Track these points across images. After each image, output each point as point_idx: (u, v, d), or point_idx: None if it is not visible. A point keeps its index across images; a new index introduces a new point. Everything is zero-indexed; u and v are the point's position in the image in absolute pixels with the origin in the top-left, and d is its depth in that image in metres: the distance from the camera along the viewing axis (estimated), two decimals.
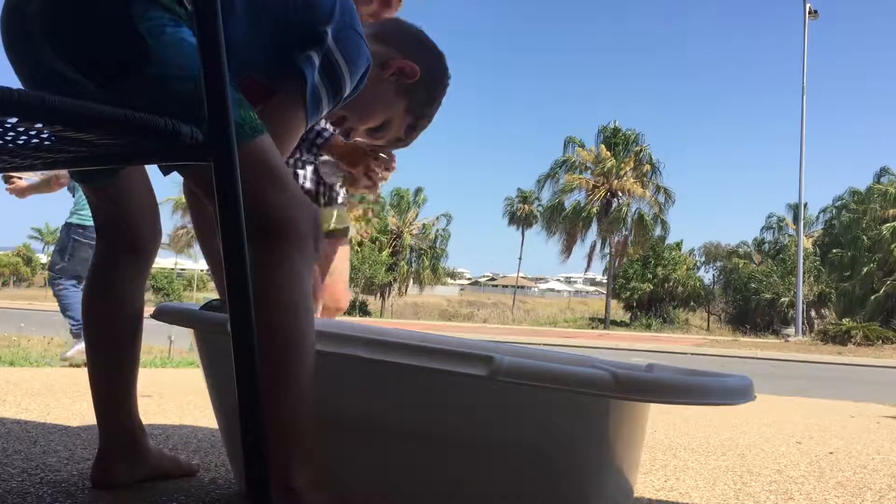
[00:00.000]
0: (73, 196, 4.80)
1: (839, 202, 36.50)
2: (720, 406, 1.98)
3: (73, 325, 4.70)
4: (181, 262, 52.14)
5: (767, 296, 34.30)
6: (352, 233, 2.43)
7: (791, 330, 23.74)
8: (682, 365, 1.74)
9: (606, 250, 36.69)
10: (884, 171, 34.37)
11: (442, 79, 1.52)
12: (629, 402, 1.19)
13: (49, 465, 1.56)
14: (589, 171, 36.32)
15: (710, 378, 1.23)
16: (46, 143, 0.88)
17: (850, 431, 3.28)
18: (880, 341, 19.02)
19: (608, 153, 35.59)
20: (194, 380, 3.74)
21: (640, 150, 35.88)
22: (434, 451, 1.19)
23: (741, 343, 21.00)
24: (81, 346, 4.59)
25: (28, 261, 52.32)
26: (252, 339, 0.89)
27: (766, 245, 40.43)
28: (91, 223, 3.85)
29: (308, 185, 2.17)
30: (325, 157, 2.07)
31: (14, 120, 0.78)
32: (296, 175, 2.16)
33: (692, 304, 40.26)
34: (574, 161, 36.59)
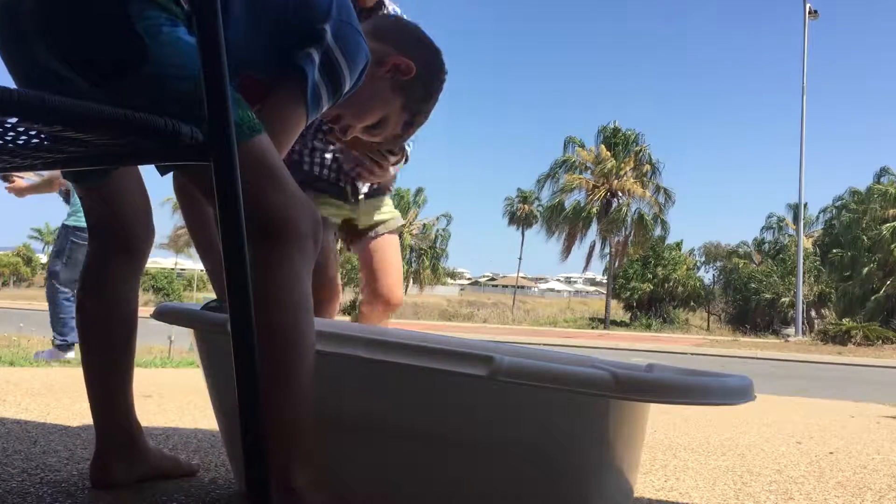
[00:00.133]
0: (69, 199, 4.79)
1: (839, 202, 36.50)
2: (720, 406, 1.98)
3: (58, 339, 4.69)
4: (181, 262, 52.18)
5: (767, 296, 34.29)
6: (400, 223, 2.32)
7: (791, 330, 23.75)
8: (682, 365, 1.74)
9: (606, 250, 36.70)
10: (884, 171, 34.37)
11: (438, 75, 1.52)
12: (629, 402, 1.19)
13: (49, 465, 1.56)
14: (589, 171, 36.33)
15: (710, 378, 1.23)
16: (46, 142, 0.88)
17: (850, 431, 3.28)
18: (880, 341, 19.03)
19: (608, 153, 35.59)
20: (194, 380, 3.74)
21: (640, 150, 35.88)
22: (434, 451, 1.19)
23: (741, 343, 21.01)
24: (61, 355, 4.61)
25: (28, 261, 52.31)
26: (252, 339, 0.89)
27: (766, 245, 40.44)
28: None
29: (325, 172, 2.14)
30: (339, 147, 2.04)
31: (14, 120, 0.78)
32: (316, 165, 2.14)
33: (692, 304, 40.25)
34: (574, 161, 36.59)
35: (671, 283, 39.01)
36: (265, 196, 1.07)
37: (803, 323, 24.96)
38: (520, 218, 44.43)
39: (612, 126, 36.94)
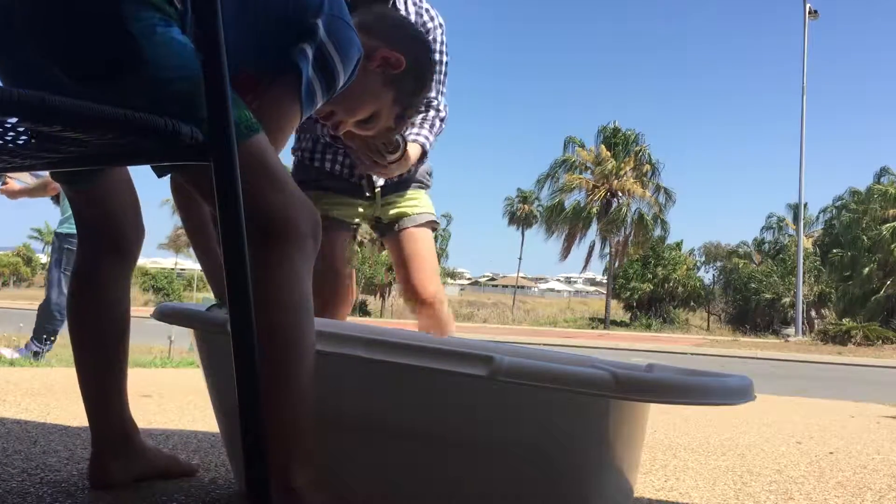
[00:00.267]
0: (60, 205, 4.77)
1: (839, 202, 36.50)
2: (720, 406, 1.98)
3: (35, 346, 4.68)
4: (181, 262, 52.16)
5: (767, 296, 34.30)
6: (428, 217, 2.22)
7: (791, 330, 23.76)
8: (682, 365, 1.74)
9: (606, 250, 36.70)
10: (884, 171, 34.37)
11: (429, 66, 1.53)
12: (629, 402, 1.19)
13: (49, 465, 1.56)
14: (589, 171, 36.32)
15: (710, 378, 1.23)
16: (45, 143, 0.88)
17: (850, 431, 3.28)
18: (880, 341, 19.03)
19: (608, 153, 35.58)
20: (194, 380, 3.74)
21: (640, 150, 35.88)
22: (434, 451, 1.19)
23: (741, 343, 21.01)
24: (14, 354, 4.60)
25: (28, 261, 52.30)
26: (252, 339, 0.89)
27: (766, 245, 40.44)
28: None
29: (338, 168, 2.12)
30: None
31: (14, 120, 0.78)
32: (328, 161, 2.11)
33: (692, 304, 40.24)
34: (574, 161, 36.59)
35: (671, 283, 39.01)
36: (264, 196, 1.07)
37: (803, 323, 24.97)
38: (520, 218, 44.43)
39: (612, 126, 36.94)
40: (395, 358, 1.14)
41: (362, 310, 36.09)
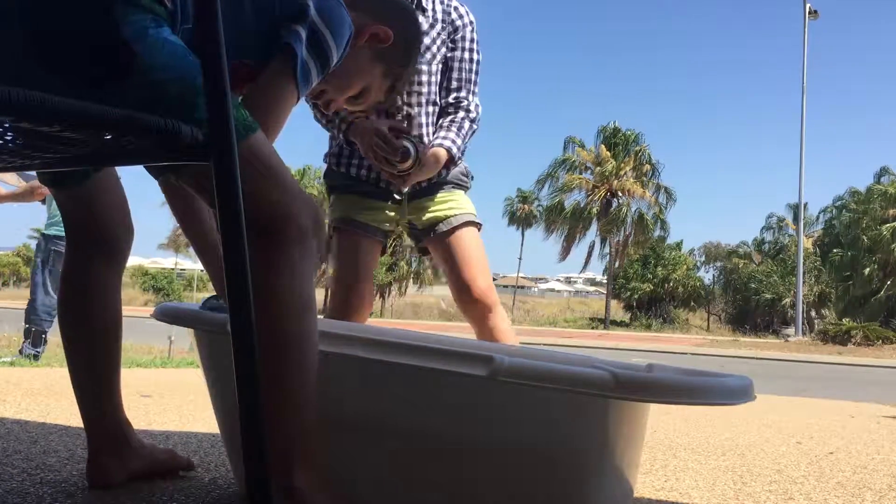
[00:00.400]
0: (47, 207, 4.74)
1: (839, 202, 36.49)
2: (720, 406, 1.98)
3: (27, 348, 4.68)
4: (181, 262, 52.13)
5: (768, 296, 34.27)
6: (465, 217, 2.15)
7: (791, 330, 23.75)
8: (682, 365, 1.74)
9: (606, 250, 36.69)
10: (884, 171, 34.35)
11: (417, 36, 1.53)
12: (629, 402, 1.19)
13: (49, 465, 1.56)
14: (589, 171, 36.32)
15: (710, 378, 1.23)
16: (44, 142, 0.88)
17: (850, 431, 3.28)
18: (880, 341, 19.03)
19: (608, 153, 35.57)
20: (194, 380, 3.74)
21: (640, 151, 35.86)
22: (434, 451, 1.19)
23: (741, 343, 21.00)
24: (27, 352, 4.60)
25: (28, 261, 52.23)
26: (252, 339, 0.89)
27: (766, 245, 40.41)
28: None
29: (364, 173, 2.09)
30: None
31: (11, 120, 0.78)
32: (353, 166, 2.08)
33: (692, 304, 40.20)
34: (574, 161, 36.57)
35: (671, 283, 38.98)
36: (264, 195, 1.07)
37: (803, 323, 24.96)
38: (520, 218, 44.39)
39: (612, 126, 36.92)
40: (395, 358, 1.14)
41: None
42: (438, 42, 2.09)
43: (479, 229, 2.17)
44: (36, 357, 4.63)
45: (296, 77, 1.18)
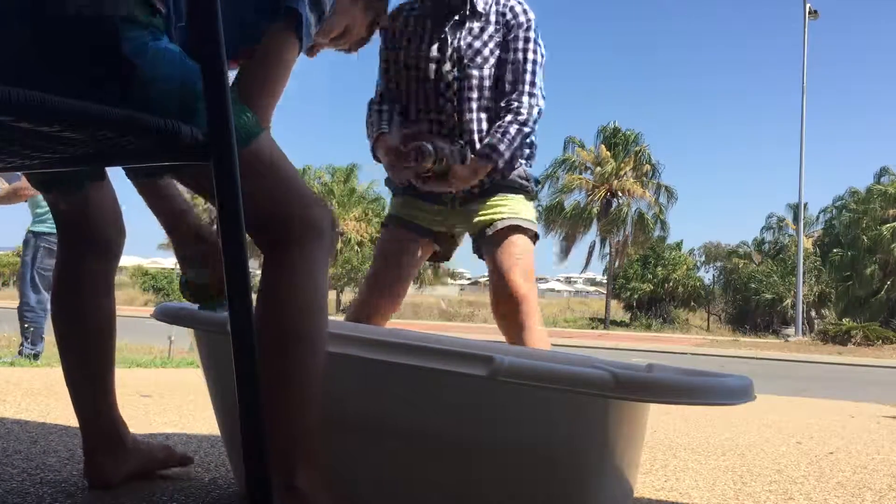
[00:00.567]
0: (30, 204, 4.71)
1: (839, 202, 36.48)
2: (720, 406, 1.98)
3: (27, 348, 4.67)
4: None
5: (768, 296, 34.26)
6: (512, 221, 2.07)
7: (791, 330, 23.75)
8: (682, 365, 1.74)
9: (606, 250, 36.68)
10: (884, 171, 34.34)
11: None
12: (629, 402, 1.19)
13: (49, 465, 1.56)
14: (589, 172, 36.32)
15: (710, 378, 1.23)
16: (43, 142, 0.88)
17: (850, 431, 3.28)
18: (880, 341, 19.02)
19: (608, 153, 35.57)
20: (194, 380, 3.74)
21: (640, 151, 35.86)
22: (434, 452, 1.19)
23: (741, 343, 21.00)
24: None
25: None
26: (252, 338, 0.89)
27: (766, 245, 40.38)
28: None
29: None
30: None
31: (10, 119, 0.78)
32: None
33: (692, 304, 40.18)
34: (574, 161, 36.57)
35: (671, 283, 38.96)
36: (275, 198, 1.07)
37: (803, 323, 24.95)
38: None
39: (612, 126, 36.92)
40: (395, 358, 1.14)
41: None
42: (491, 45, 2.04)
43: (531, 236, 2.09)
44: (36, 357, 4.62)
45: (300, 36, 1.19)
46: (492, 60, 2.05)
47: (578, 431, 1.19)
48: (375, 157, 2.09)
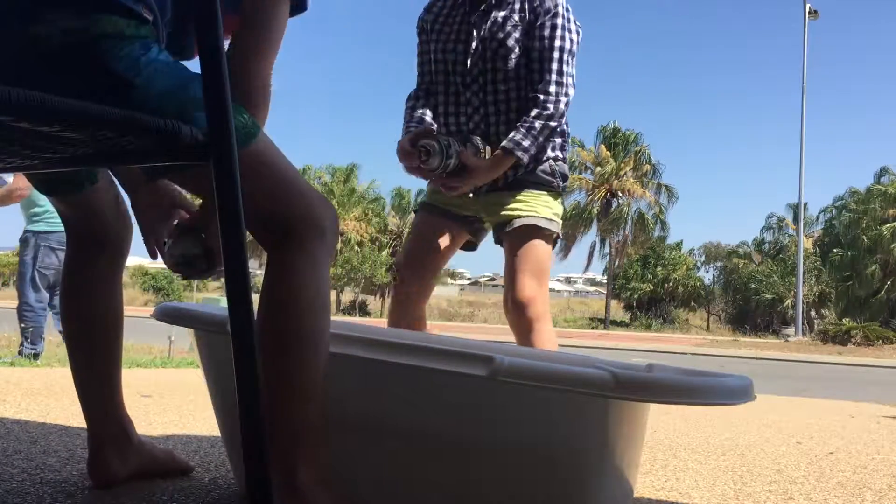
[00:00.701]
0: (25, 208, 4.70)
1: (839, 202, 36.49)
2: (720, 406, 1.98)
3: (27, 348, 4.66)
4: None
5: (768, 296, 34.26)
6: (529, 221, 2.05)
7: (791, 330, 23.76)
8: (682, 365, 1.74)
9: (606, 250, 36.69)
10: (884, 171, 34.36)
11: None
12: (629, 402, 1.19)
13: (49, 465, 1.56)
14: (589, 172, 36.32)
15: (710, 378, 1.23)
16: (43, 142, 0.88)
17: (850, 431, 3.28)
18: (880, 341, 19.03)
19: (608, 153, 35.58)
20: (194, 380, 3.74)
21: (640, 151, 35.88)
22: (434, 452, 1.19)
23: (741, 343, 21.01)
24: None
25: None
26: (252, 338, 0.89)
27: (767, 245, 40.38)
28: (60, 229, 3.75)
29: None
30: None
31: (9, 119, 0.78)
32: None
33: (692, 304, 40.19)
34: (574, 161, 36.57)
35: (671, 283, 38.97)
36: (277, 198, 1.07)
37: (803, 323, 24.96)
38: None
39: (612, 126, 36.94)
40: (395, 358, 1.14)
41: (362, 310, 36.09)
42: (517, 34, 2.01)
43: (549, 236, 2.08)
44: (36, 356, 4.62)
45: None
46: (517, 50, 2.01)
47: (578, 431, 1.19)
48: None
